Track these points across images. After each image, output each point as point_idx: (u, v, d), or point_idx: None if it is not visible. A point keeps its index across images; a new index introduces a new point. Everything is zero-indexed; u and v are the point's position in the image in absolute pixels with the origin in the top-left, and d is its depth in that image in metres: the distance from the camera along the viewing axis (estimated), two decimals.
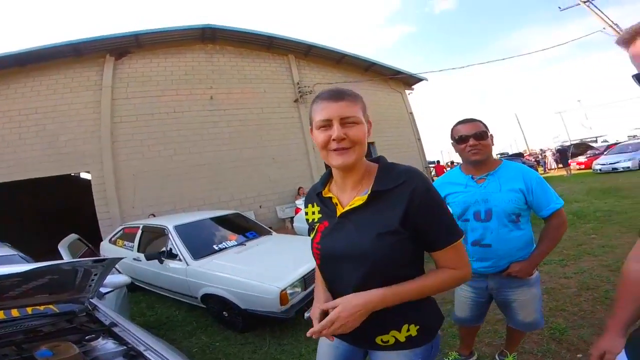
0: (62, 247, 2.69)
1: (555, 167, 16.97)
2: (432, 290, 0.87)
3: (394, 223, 0.82)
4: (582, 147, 17.76)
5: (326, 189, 0.99)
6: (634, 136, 19.11)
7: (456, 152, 1.59)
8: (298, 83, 10.97)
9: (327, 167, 1.00)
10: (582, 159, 15.34)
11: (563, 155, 14.42)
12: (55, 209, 11.96)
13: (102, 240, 5.52)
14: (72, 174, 9.04)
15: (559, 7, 10.69)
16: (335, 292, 0.95)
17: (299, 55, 11.42)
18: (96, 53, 8.34)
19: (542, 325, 1.67)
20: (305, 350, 2.47)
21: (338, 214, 0.91)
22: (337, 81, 11.92)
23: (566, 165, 14.03)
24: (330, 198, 0.95)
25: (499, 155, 23.38)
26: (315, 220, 0.99)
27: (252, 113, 10.05)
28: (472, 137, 1.47)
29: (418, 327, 0.90)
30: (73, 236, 3.25)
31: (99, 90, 8.23)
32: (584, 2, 9.80)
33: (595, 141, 23.51)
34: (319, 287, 1.02)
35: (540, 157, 20.75)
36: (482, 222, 1.52)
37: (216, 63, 9.93)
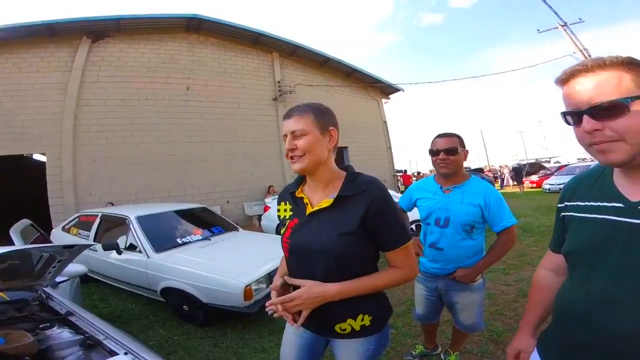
0: (14, 232, 2.54)
1: (511, 184, 18.25)
2: (382, 287, 1.03)
3: (353, 225, 0.96)
4: (536, 167, 19.25)
5: (299, 189, 1.11)
6: (583, 159, 21.03)
7: (431, 162, 1.75)
8: (279, 82, 10.95)
9: None
10: (535, 178, 16.62)
11: (518, 173, 15.53)
12: (2, 192, 10.96)
13: (53, 228, 5.19)
14: (25, 155, 8.35)
15: (538, 30, 11.56)
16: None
17: (284, 54, 11.43)
18: (73, 34, 7.91)
19: (481, 327, 1.87)
20: (268, 345, 2.52)
21: (307, 212, 1.03)
22: (318, 84, 12.05)
23: (520, 183, 15.14)
24: (302, 198, 1.08)
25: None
26: (287, 217, 1.11)
27: (229, 107, 9.90)
28: (443, 152, 1.63)
29: (371, 317, 1.03)
30: (25, 221, 3.06)
31: (68, 72, 7.78)
32: (562, 25, 10.50)
33: (549, 162, 25.63)
34: (283, 266, 1.17)
35: (498, 173, 22.18)
36: (440, 228, 1.70)
37: (197, 54, 9.69)
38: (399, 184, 15.62)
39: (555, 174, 14.99)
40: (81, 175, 7.62)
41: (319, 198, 1.05)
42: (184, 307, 3.02)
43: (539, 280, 0.99)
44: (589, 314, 0.69)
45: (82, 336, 1.41)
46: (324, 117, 1.03)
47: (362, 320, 1.02)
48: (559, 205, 0.87)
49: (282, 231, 1.10)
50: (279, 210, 1.16)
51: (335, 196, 0.99)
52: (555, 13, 10.03)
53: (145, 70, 8.78)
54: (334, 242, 0.96)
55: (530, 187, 15.91)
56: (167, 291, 3.08)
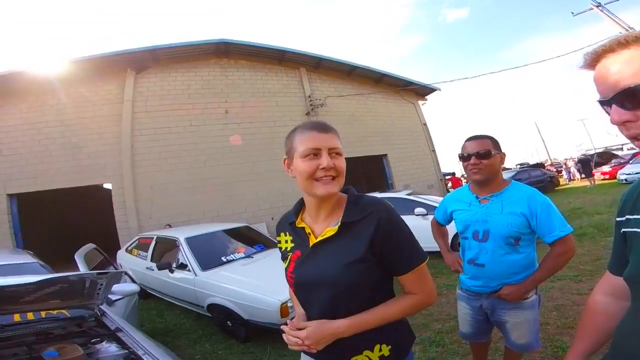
0: (78, 257, 2.87)
1: (578, 177, 16.33)
2: (395, 317, 0.92)
3: (361, 252, 0.88)
4: (606, 156, 17.10)
5: (299, 218, 1.03)
6: None
7: (463, 169, 1.61)
8: (309, 96, 11.18)
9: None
10: (606, 168, 14.75)
11: (585, 165, 13.87)
12: (78, 218, 12.53)
13: (120, 249, 5.77)
14: (97, 184, 9.50)
15: (572, 13, 10.54)
16: (308, 316, 0.99)
17: (310, 68, 11.65)
18: (117, 67, 8.79)
19: (536, 347, 1.63)
20: None
21: (311, 244, 0.96)
22: (348, 93, 12.07)
23: (589, 175, 13.49)
24: (303, 228, 0.99)
25: (518, 166, 22.72)
26: (288, 249, 1.04)
27: (265, 126, 10.30)
28: (474, 156, 1.47)
29: (390, 346, 0.94)
30: (90, 246, 3.44)
31: (120, 103, 8.64)
32: (597, 6, 9.56)
33: (621, 149, 22.42)
34: (298, 306, 1.07)
35: (562, 167, 20.00)
36: (478, 242, 1.54)
37: (230, 77, 10.27)
38: (448, 188, 14.81)
39: (631, 162, 13.14)
40: (141, 201, 8.41)
41: (321, 226, 0.97)
42: (228, 322, 3.14)
43: (594, 306, 0.84)
44: None
45: (126, 351, 1.53)
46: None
47: (381, 350, 0.93)
48: (619, 219, 0.73)
49: (285, 265, 1.03)
50: (279, 242, 1.09)
51: (338, 223, 0.92)
52: None
53: (186, 97, 9.48)
54: (341, 273, 0.89)
55: (603, 180, 14.10)
56: (213, 307, 3.23)
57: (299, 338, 0.89)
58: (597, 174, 14.33)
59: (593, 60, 0.59)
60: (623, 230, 0.70)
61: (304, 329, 0.90)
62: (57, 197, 10.88)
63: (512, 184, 1.54)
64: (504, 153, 1.54)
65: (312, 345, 0.88)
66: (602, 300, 0.82)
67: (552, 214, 1.43)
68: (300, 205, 1.06)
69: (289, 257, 1.02)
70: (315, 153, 0.89)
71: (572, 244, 1.45)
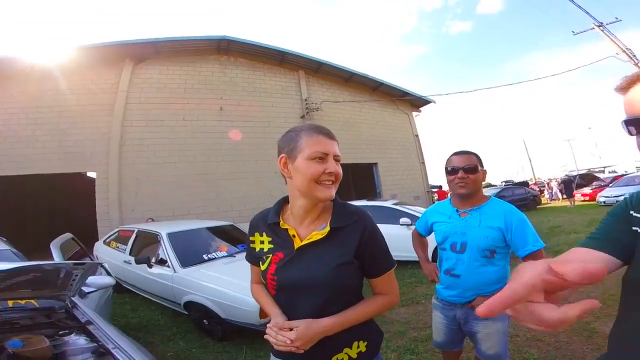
0: (54, 246, 2.78)
1: (560, 197, 16.79)
2: (371, 315, 1.00)
3: (349, 255, 0.94)
4: (588, 178, 17.65)
5: (281, 220, 1.01)
6: None
7: (447, 183, 1.65)
8: (306, 99, 11.22)
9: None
10: (587, 190, 15.21)
11: (568, 185, 14.29)
12: (57, 206, 12.18)
13: (98, 240, 5.63)
14: (80, 172, 9.26)
15: (572, 32, 10.78)
16: (291, 316, 0.98)
17: (309, 71, 11.72)
18: (117, 57, 8.67)
19: (504, 358, 1.67)
20: None
21: (296, 246, 0.96)
22: (344, 99, 12.17)
23: (570, 196, 13.89)
24: (287, 230, 0.99)
25: (503, 183, 23.23)
26: (265, 250, 1.02)
27: (259, 126, 10.27)
28: (461, 170, 1.53)
29: (366, 342, 0.99)
30: (67, 235, 3.35)
31: (114, 93, 8.51)
32: (598, 26, 9.79)
33: (603, 172, 23.23)
34: (275, 306, 1.02)
35: (545, 186, 20.56)
36: (456, 253, 1.58)
37: (229, 74, 10.24)
38: (434, 200, 15.02)
39: (610, 185, 13.61)
40: (125, 192, 8.23)
41: (306, 230, 0.98)
42: (205, 321, 3.10)
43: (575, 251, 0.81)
44: None
45: (95, 344, 1.49)
46: None
47: (358, 347, 0.98)
48: (632, 212, 0.72)
49: (263, 267, 1.00)
50: (253, 242, 1.06)
51: (326, 227, 0.95)
52: (587, 13, 9.38)
53: (182, 91, 9.40)
54: (332, 274, 0.92)
55: (583, 201, 14.55)
56: (190, 305, 3.18)
57: (287, 339, 0.88)
58: (578, 195, 14.77)
59: (630, 83, 0.63)
60: (634, 228, 0.70)
61: (291, 329, 0.90)
62: (35, 184, 10.58)
63: (491, 200, 1.60)
64: (485, 170, 1.61)
65: (302, 345, 0.88)
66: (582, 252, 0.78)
67: (527, 229, 1.49)
68: (280, 207, 1.06)
69: (269, 258, 1.00)
70: (322, 157, 0.92)
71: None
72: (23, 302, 1.80)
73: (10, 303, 1.75)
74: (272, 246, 1.02)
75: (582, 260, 0.72)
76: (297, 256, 0.96)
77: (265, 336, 0.95)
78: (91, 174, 9.37)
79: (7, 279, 1.47)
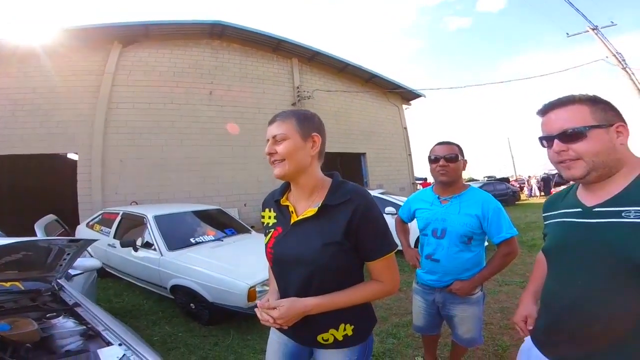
0: (39, 227, 2.72)
1: (539, 194, 17.40)
2: (360, 301, 1.00)
3: (337, 235, 0.94)
4: None
5: (284, 197, 1.09)
6: None
7: (430, 171, 1.72)
8: (298, 87, 11.10)
9: None
10: (564, 188, 15.78)
11: (546, 183, 14.86)
12: (34, 187, 11.74)
13: (79, 224, 5.50)
14: (59, 154, 8.93)
15: (567, 33, 10.98)
16: (283, 290, 1.06)
17: (303, 59, 11.58)
18: (105, 39, 8.39)
19: (479, 342, 1.80)
20: None
21: (292, 222, 1.02)
22: (336, 89, 12.11)
23: (548, 193, 14.44)
24: (287, 206, 1.06)
25: (486, 178, 23.83)
26: (270, 224, 1.10)
27: (248, 112, 10.13)
28: (442, 158, 1.60)
29: (353, 327, 1.02)
30: (51, 217, 3.28)
31: (100, 75, 8.26)
32: (593, 29, 9.96)
33: None
34: (273, 282, 1.15)
35: (525, 183, 21.24)
36: (436, 239, 1.66)
37: (220, 59, 10.02)
38: None
39: None
40: (109, 174, 8.04)
41: (303, 207, 1.03)
42: (191, 305, 3.10)
43: (539, 260, 1.19)
44: (562, 301, 0.87)
45: (84, 327, 1.48)
46: (307, 123, 1.00)
47: (345, 330, 1.01)
48: (543, 214, 1.07)
49: (265, 240, 1.09)
50: (263, 217, 1.15)
51: (319, 205, 0.97)
52: (584, 16, 9.56)
53: (171, 75, 9.17)
54: (317, 252, 0.95)
55: None
56: (176, 289, 3.18)
57: (270, 317, 0.96)
58: (555, 192, 15.32)
59: (547, 109, 0.88)
60: (545, 222, 1.05)
61: (275, 307, 0.96)
62: (13, 165, 10.16)
63: (470, 189, 1.69)
64: (466, 160, 1.70)
65: (284, 323, 0.95)
66: (541, 257, 1.14)
67: (502, 218, 1.59)
68: (287, 185, 1.11)
69: (271, 232, 1.08)
70: (268, 141, 1.01)
71: (516, 246, 1.63)
72: (7, 284, 1.75)
73: None
74: (275, 221, 1.09)
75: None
76: (291, 231, 1.02)
77: (255, 310, 1.03)
78: (73, 156, 9.08)
79: None
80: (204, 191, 9.06)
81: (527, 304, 1.13)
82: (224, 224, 4.43)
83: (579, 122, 0.81)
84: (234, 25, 9.71)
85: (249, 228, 4.70)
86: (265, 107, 10.44)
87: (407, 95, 14.69)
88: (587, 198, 0.88)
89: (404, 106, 14.90)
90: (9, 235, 2.62)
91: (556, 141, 0.84)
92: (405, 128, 14.64)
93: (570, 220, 0.90)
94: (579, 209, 0.88)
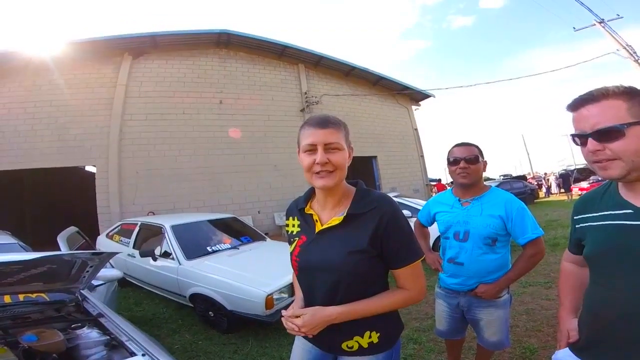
0: (61, 239, 2.79)
1: (557, 191, 16.89)
2: (385, 309, 0.98)
3: (363, 243, 0.94)
4: (585, 172, 17.68)
5: (308, 205, 1.08)
6: None
7: (449, 173, 1.68)
8: (306, 93, 11.16)
9: None
10: (585, 184, 15.28)
11: (565, 180, 14.40)
12: (55, 200, 12.14)
13: (99, 235, 5.63)
14: (78, 167, 9.21)
15: (574, 28, 10.81)
16: (309, 298, 1.05)
17: (309, 65, 11.63)
18: (115, 51, 8.62)
19: (506, 345, 1.73)
20: (287, 355, 2.52)
21: (317, 230, 1.01)
22: (344, 93, 12.11)
23: (568, 190, 13.99)
24: (311, 215, 1.05)
25: (501, 177, 23.33)
26: (294, 233, 1.09)
27: (259, 120, 10.23)
28: (463, 160, 1.57)
29: (379, 334, 1.00)
30: (72, 229, 3.36)
31: (113, 87, 8.46)
32: (599, 22, 9.76)
33: None
34: (298, 290, 1.14)
35: (542, 180, 20.68)
36: (459, 242, 1.62)
37: (228, 68, 10.16)
38: (433, 193, 15.08)
39: None
40: (126, 186, 8.22)
41: (328, 215, 1.02)
42: (210, 313, 3.12)
43: (567, 271, 1.14)
44: (617, 309, 0.80)
45: (107, 337, 1.50)
46: (347, 132, 1.01)
47: (370, 337, 0.99)
48: (575, 217, 1.00)
49: (290, 248, 1.09)
50: (287, 226, 1.15)
51: (344, 214, 0.97)
52: (589, 10, 9.33)
53: (182, 85, 9.34)
54: (343, 260, 0.94)
55: (579, 195, 14.61)
56: (195, 297, 3.21)
57: (295, 325, 0.96)
58: (575, 189, 14.86)
59: (578, 104, 0.81)
60: (577, 225, 0.99)
61: (299, 316, 0.96)
62: (34, 179, 10.51)
63: (491, 189, 1.65)
64: (486, 161, 1.66)
65: (308, 331, 0.95)
66: (570, 267, 1.13)
67: (526, 217, 1.54)
68: (311, 193, 1.11)
69: (295, 241, 1.07)
70: (312, 149, 0.94)
71: (543, 246, 1.56)
72: (34, 295, 1.79)
73: (21, 297, 1.75)
74: (299, 229, 1.08)
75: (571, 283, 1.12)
76: (316, 240, 1.01)
77: (282, 318, 1.03)
78: (90, 168, 9.33)
79: (22, 270, 1.47)
80: (218, 200, 9.16)
81: (567, 320, 1.07)
82: (239, 232, 4.46)
83: (614, 119, 0.74)
84: (239, 33, 9.84)
85: (264, 235, 4.71)
86: (274, 114, 10.53)
87: (416, 96, 14.56)
88: (636, 198, 0.81)
89: (414, 107, 14.77)
90: (32, 246, 2.71)
91: (590, 140, 0.77)
92: (416, 129, 14.49)
93: (618, 222, 0.82)
94: (629, 210, 0.80)
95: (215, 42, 9.92)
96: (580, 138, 0.81)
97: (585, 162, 0.87)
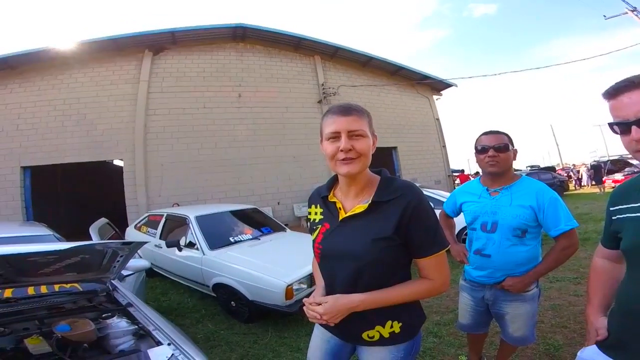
0: (93, 230, 2.94)
1: (588, 183, 16.02)
2: (407, 299, 0.97)
3: (388, 231, 0.92)
4: (619, 164, 16.60)
5: (331, 193, 1.08)
6: None
7: (477, 162, 1.62)
8: (323, 84, 11.06)
9: None
10: (619, 176, 14.36)
11: (597, 171, 13.60)
12: (86, 194, 12.78)
13: (128, 226, 5.88)
14: (106, 161, 9.63)
15: (604, 16, 10.17)
16: (330, 286, 1.04)
17: (325, 56, 11.50)
18: (136, 48, 8.87)
19: (531, 341, 1.67)
20: (304, 345, 2.55)
21: (340, 218, 1.01)
22: (362, 84, 11.90)
23: (600, 182, 13.23)
24: (335, 203, 1.04)
25: (528, 168, 22.38)
26: (317, 221, 1.09)
27: (277, 112, 10.27)
28: (492, 149, 1.50)
29: (401, 324, 0.99)
30: (103, 220, 3.52)
31: (136, 83, 8.74)
32: (632, 10, 9.24)
33: None
34: (320, 278, 1.13)
35: (572, 172, 19.63)
36: (486, 233, 1.56)
37: (245, 61, 10.22)
38: (456, 184, 14.67)
39: None
40: (151, 178, 8.53)
41: (351, 203, 1.01)
42: (232, 303, 3.21)
43: (598, 267, 1.09)
44: None
45: (136, 326, 1.56)
46: (371, 121, 1.00)
47: (392, 327, 0.98)
48: (611, 208, 0.96)
49: (313, 236, 1.08)
50: (309, 213, 1.15)
51: (369, 201, 0.96)
52: None
53: (201, 79, 9.51)
54: (367, 248, 0.93)
55: (613, 187, 13.78)
56: (218, 287, 3.30)
57: (317, 313, 0.96)
58: (609, 181, 14.01)
59: (616, 91, 0.77)
60: (614, 217, 0.93)
61: (321, 304, 0.96)
62: (67, 173, 11.06)
63: (522, 178, 1.57)
64: (516, 149, 1.57)
65: (330, 319, 0.95)
66: (602, 262, 1.08)
67: (560, 208, 1.46)
68: (334, 181, 1.10)
69: (318, 229, 1.07)
70: (335, 136, 0.93)
71: (577, 239, 1.48)
72: (68, 286, 1.88)
73: (56, 287, 1.82)
74: (322, 217, 1.07)
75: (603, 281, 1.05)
76: (340, 227, 1.00)
77: (303, 307, 1.03)
78: (118, 162, 9.73)
79: (57, 261, 1.53)
80: (239, 191, 9.34)
81: (596, 318, 1.03)
82: (260, 223, 4.53)
83: None
84: (254, 26, 9.84)
85: (284, 226, 4.77)
86: (292, 105, 10.53)
87: (437, 86, 14.09)
88: None
89: (435, 97, 14.30)
90: (66, 237, 2.87)
91: (634, 128, 0.74)
92: (438, 119, 14.05)
93: None
94: None
95: (231, 36, 9.98)
96: (621, 126, 0.78)
97: (621, 153, 0.84)
